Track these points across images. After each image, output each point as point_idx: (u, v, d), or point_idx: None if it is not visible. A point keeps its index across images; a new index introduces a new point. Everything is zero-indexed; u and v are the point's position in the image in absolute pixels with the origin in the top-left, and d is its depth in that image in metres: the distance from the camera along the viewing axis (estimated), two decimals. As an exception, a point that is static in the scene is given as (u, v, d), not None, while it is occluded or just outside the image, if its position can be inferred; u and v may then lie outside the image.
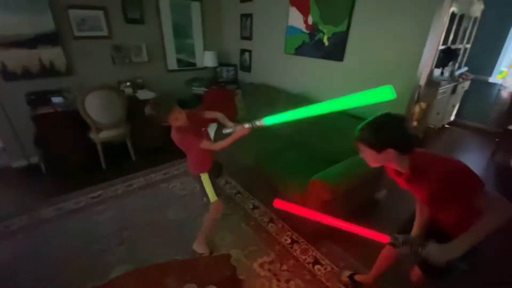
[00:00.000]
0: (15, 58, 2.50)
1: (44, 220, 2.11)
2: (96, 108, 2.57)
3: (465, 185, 0.94)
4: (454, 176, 0.95)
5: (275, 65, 3.14)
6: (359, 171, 2.00)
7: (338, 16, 2.30)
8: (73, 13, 2.70)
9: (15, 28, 2.42)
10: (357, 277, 1.64)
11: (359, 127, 1.02)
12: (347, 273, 1.67)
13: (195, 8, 3.47)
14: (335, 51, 2.40)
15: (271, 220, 2.15)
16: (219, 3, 3.65)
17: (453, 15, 3.25)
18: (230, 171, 2.78)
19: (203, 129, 1.72)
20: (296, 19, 2.69)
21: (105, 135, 2.73)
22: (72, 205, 2.29)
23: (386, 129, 0.97)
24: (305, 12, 2.58)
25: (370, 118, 1.01)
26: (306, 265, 1.77)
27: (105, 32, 2.91)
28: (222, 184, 2.64)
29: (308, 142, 2.49)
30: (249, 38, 3.40)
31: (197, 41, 3.66)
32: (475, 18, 3.78)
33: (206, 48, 3.69)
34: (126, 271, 1.67)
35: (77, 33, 2.77)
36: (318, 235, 1.94)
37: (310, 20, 2.55)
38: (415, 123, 3.55)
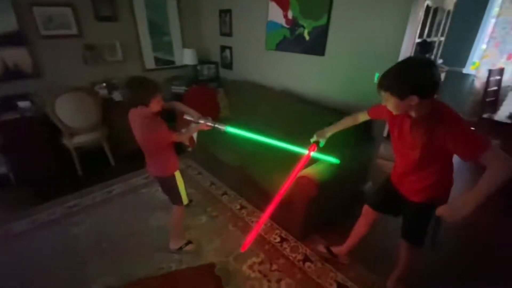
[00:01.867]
0: (-28, 60, 2.30)
1: (16, 234, 1.96)
2: (68, 111, 2.41)
3: (477, 141, 0.93)
4: (470, 131, 0.96)
5: (257, 62, 3.09)
6: (344, 165, 2.00)
7: (317, 10, 2.28)
8: (39, 11, 2.51)
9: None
10: (334, 249, 1.74)
11: (381, 75, 1.02)
12: (323, 246, 1.78)
13: (172, 4, 3.34)
14: (316, 45, 2.38)
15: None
16: (197, -1, 3.54)
17: (428, 8, 3.32)
18: (215, 172, 2.71)
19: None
20: (276, 14, 2.64)
21: (79, 140, 2.57)
22: (46, 216, 2.13)
23: (409, 76, 0.95)
24: (284, 6, 2.54)
25: (393, 65, 1.01)
26: (297, 263, 1.74)
27: (74, 31, 2.74)
28: (208, 185, 2.56)
29: (291, 139, 2.46)
30: (229, 34, 3.32)
31: (175, 39, 3.53)
32: (449, 11, 3.90)
33: (185, 45, 3.57)
34: (107, 285, 1.57)
35: (44, 32, 2.58)
36: (307, 231, 1.93)
37: (290, 14, 2.52)
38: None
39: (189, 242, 1.82)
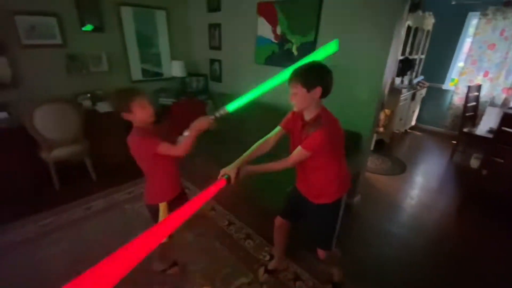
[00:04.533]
0: None
1: (-19, 257, 1.79)
2: (47, 123, 2.30)
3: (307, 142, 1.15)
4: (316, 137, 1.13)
5: (246, 75, 3.10)
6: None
7: (305, 27, 2.33)
8: (21, 20, 2.43)
9: None
10: (270, 266, 1.72)
11: (293, 70, 1.15)
12: (261, 271, 1.71)
13: (160, 16, 3.34)
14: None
15: (248, 236, 2.04)
16: (186, 12, 3.56)
17: (409, 28, 3.49)
18: (203, 187, 2.63)
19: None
20: (265, 29, 2.68)
21: (58, 153, 2.43)
22: (17, 236, 1.97)
23: (318, 70, 1.13)
24: (273, 22, 2.59)
25: (302, 63, 1.17)
26: (287, 282, 1.67)
27: (58, 40, 2.66)
28: (194, 201, 2.48)
29: (280, 151, 2.44)
30: (218, 48, 3.33)
31: (164, 51, 3.51)
32: (428, 31, 4.11)
33: (173, 57, 3.55)
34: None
35: (25, 41, 2.49)
36: (296, 248, 1.87)
37: (278, 30, 2.56)
38: (381, 129, 3.71)
39: (174, 264, 1.71)
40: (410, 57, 3.92)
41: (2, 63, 2.40)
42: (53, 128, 2.33)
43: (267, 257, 1.85)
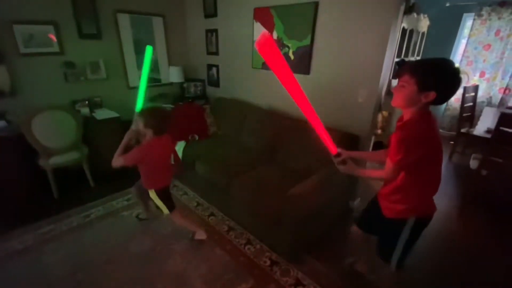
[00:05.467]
0: None
1: (-21, 267, 1.77)
2: (45, 131, 2.29)
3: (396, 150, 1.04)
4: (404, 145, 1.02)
5: (244, 80, 3.12)
6: (333, 183, 1.99)
7: (301, 31, 2.35)
8: (19, 29, 2.44)
9: None
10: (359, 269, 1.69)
11: (414, 61, 1.06)
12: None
13: (158, 23, 3.36)
14: (301, 64, 2.43)
15: (249, 242, 2.02)
16: (183, 18, 3.58)
17: (404, 30, 3.52)
18: (201, 192, 2.63)
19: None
20: (261, 34, 2.70)
21: (56, 160, 2.43)
22: (17, 244, 1.96)
23: (443, 74, 0.96)
24: (269, 27, 2.61)
25: (429, 58, 1.02)
26: (288, 287, 1.66)
27: (56, 48, 2.67)
28: (194, 206, 2.47)
29: (277, 156, 2.45)
30: (215, 53, 3.35)
31: (161, 57, 3.52)
32: (423, 33, 4.14)
33: (171, 63, 3.57)
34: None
35: (23, 50, 2.49)
36: (297, 252, 1.86)
37: (274, 35, 2.58)
38: (379, 131, 3.71)
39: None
40: (406, 59, 3.94)
41: (1, 72, 2.40)
42: (51, 135, 2.33)
43: (268, 263, 1.83)
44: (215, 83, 3.54)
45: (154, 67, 3.50)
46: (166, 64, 3.57)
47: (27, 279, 1.68)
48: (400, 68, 1.11)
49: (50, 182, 2.47)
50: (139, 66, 3.34)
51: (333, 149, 1.25)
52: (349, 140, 2.10)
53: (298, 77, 2.52)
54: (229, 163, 2.36)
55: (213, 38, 3.29)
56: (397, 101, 1.07)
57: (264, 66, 2.79)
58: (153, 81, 3.52)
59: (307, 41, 2.33)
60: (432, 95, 0.96)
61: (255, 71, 2.92)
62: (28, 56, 2.53)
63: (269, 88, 2.84)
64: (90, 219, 2.25)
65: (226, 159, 2.43)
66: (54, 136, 2.36)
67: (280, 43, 2.55)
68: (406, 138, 1.02)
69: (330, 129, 1.29)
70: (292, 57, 2.49)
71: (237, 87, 3.24)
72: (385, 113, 3.63)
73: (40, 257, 1.85)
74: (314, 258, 1.86)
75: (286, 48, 2.51)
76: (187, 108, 3.24)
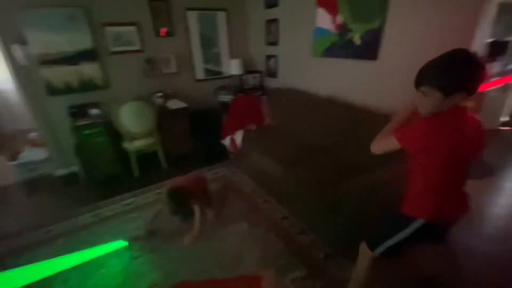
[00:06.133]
0: (58, 75, 2.71)
1: (82, 225, 2.21)
2: (129, 119, 2.68)
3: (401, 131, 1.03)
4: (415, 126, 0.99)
5: (303, 69, 3.05)
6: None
7: (370, 13, 2.15)
8: (109, 30, 2.88)
9: (58, 46, 2.62)
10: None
11: (422, 67, 0.96)
12: None
13: (221, 17, 3.53)
14: (368, 49, 2.24)
15: (302, 232, 2.02)
16: (244, 11, 3.67)
17: (501, 5, 2.90)
18: (257, 180, 2.71)
19: None
20: (324, 20, 2.58)
21: (137, 144, 2.83)
22: (107, 212, 2.38)
23: (461, 69, 0.87)
24: (333, 12, 2.47)
25: (437, 58, 0.93)
26: (345, 283, 1.60)
27: (137, 46, 3.06)
28: (249, 192, 2.57)
29: (335, 148, 2.33)
30: (275, 43, 3.35)
31: (223, 50, 3.70)
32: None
33: (232, 56, 3.72)
34: (155, 283, 1.66)
35: (112, 49, 2.94)
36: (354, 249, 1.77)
37: (339, 19, 2.43)
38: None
39: None
40: (502, 40, 3.26)
41: (96, 68, 2.89)
42: (134, 122, 2.71)
43: (322, 255, 1.80)
44: (273, 74, 3.55)
45: (217, 61, 3.71)
46: (228, 57, 3.73)
47: (113, 239, 2.03)
48: (416, 78, 0.97)
49: (131, 163, 2.90)
50: (205, 60, 3.59)
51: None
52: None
53: (362, 63, 2.34)
54: (285, 152, 2.37)
55: (273, 28, 3.29)
56: (425, 109, 0.99)
57: (326, 53, 2.68)
58: (215, 73, 3.74)
59: (376, 24, 2.13)
60: (460, 96, 0.89)
61: (315, 60, 2.83)
62: (115, 54, 2.96)
63: (330, 76, 2.72)
64: (162, 196, 2.56)
65: (282, 149, 2.45)
66: (136, 123, 2.74)
67: (345, 28, 2.40)
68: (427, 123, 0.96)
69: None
70: (357, 42, 2.32)
71: (295, 77, 3.20)
72: (470, 103, 3.09)
73: (124, 223, 2.22)
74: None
75: (351, 33, 2.35)
76: (245, 99, 3.35)
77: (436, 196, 1.04)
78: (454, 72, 0.88)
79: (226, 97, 3.54)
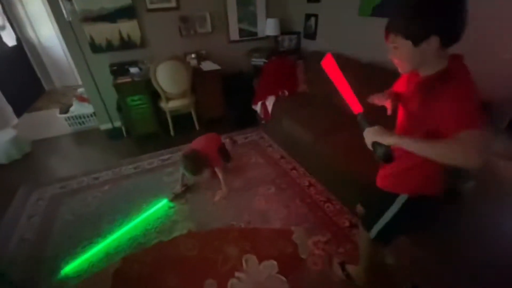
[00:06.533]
0: (100, 32, 2.80)
1: (125, 175, 2.46)
2: (165, 78, 2.75)
3: (469, 115, 0.70)
4: (472, 101, 0.72)
5: (345, 30, 2.78)
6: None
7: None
8: (146, -13, 2.83)
9: (98, 3, 2.67)
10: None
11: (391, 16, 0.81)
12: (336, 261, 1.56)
13: (260, -30, 3.26)
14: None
15: (328, 200, 2.03)
16: (285, -37, 3.34)
17: None
18: (286, 147, 2.71)
19: None
20: (376, -29, 2.26)
21: (173, 104, 2.94)
22: (146, 165, 2.59)
23: (431, 7, 0.70)
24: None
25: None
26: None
27: (173, 4, 3.00)
28: (278, 158, 2.59)
29: (370, 120, 2.18)
30: (317, 0, 3.06)
31: (260, 8, 3.48)
32: None
33: (268, 15, 3.50)
34: (189, 230, 1.83)
35: (149, 6, 2.92)
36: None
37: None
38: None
39: None
40: None
41: (134, 26, 2.92)
42: (169, 82, 2.78)
43: (347, 224, 1.82)
44: (311, 36, 3.31)
45: (252, 20, 3.52)
46: (264, 16, 3.52)
47: (152, 190, 2.24)
48: (385, 30, 0.80)
49: (168, 122, 3.05)
50: (240, 19, 3.42)
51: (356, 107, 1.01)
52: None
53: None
54: (317, 121, 2.30)
55: (316, -17, 2.98)
56: (403, 67, 0.85)
57: (375, 12, 2.39)
58: (250, 34, 3.58)
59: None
60: (433, 40, 0.71)
61: (361, 20, 2.54)
62: (152, 12, 2.95)
63: (377, 38, 2.44)
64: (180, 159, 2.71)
65: (315, 117, 2.37)
66: (171, 83, 2.80)
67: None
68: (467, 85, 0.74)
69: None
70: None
71: (336, 39, 2.95)
72: None
73: (161, 176, 2.41)
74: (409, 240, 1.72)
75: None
76: (279, 62, 3.21)
77: (440, 167, 0.95)
78: (421, 10, 0.71)
79: (258, 61, 3.43)
